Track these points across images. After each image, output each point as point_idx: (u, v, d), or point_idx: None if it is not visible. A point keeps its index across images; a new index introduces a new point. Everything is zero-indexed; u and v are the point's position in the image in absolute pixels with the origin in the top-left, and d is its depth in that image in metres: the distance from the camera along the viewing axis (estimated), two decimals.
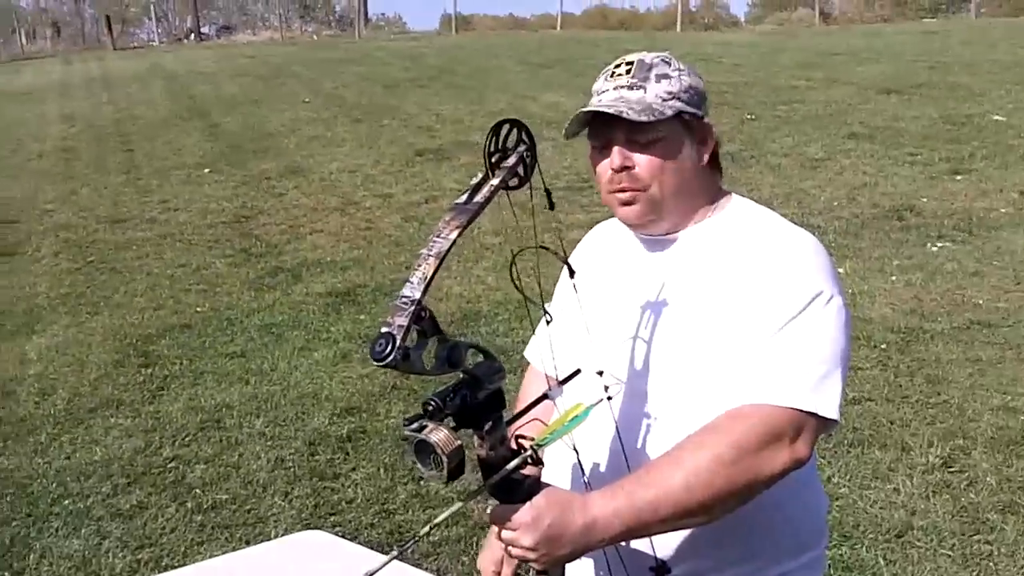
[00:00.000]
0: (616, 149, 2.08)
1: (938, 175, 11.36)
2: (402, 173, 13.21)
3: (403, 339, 1.58)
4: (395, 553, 1.84)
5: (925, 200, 10.43)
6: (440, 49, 27.94)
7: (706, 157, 2.12)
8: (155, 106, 19.91)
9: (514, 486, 1.81)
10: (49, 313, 8.67)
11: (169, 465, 5.73)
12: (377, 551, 3.28)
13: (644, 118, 2.02)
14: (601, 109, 2.04)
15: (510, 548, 1.83)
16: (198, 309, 8.51)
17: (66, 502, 5.37)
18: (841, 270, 7.79)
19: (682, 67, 2.11)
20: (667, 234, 2.15)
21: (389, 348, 1.57)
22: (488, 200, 1.73)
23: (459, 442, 1.68)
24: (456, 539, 4.76)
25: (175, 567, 4.54)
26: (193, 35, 50.14)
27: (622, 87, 2.07)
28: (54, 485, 5.56)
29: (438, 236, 1.68)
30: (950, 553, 4.51)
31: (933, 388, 6.16)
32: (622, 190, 2.10)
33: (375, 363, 1.58)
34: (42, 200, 13.17)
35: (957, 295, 7.77)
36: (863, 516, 4.82)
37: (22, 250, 10.87)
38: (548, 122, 12.99)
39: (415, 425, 1.70)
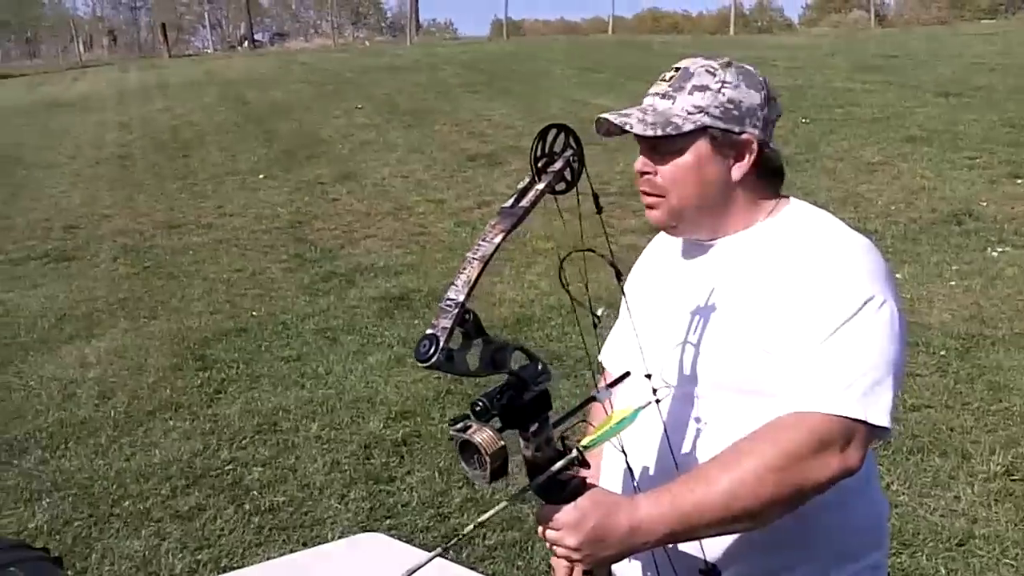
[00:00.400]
0: (640, 155, 2.12)
1: (998, 179, 11.21)
2: (454, 178, 13.25)
3: (447, 340, 1.61)
4: (438, 550, 1.86)
5: (984, 204, 10.31)
6: (491, 54, 27.95)
7: (738, 173, 2.08)
8: (210, 113, 20.08)
9: (560, 487, 1.83)
10: (108, 317, 8.77)
11: (227, 467, 5.78)
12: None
13: (650, 132, 2.04)
14: (609, 117, 2.07)
15: (555, 548, 1.85)
16: (254, 313, 8.58)
17: (126, 503, 5.43)
18: (899, 275, 7.73)
19: (731, 79, 2.07)
20: (711, 239, 2.16)
21: (433, 349, 1.60)
22: (533, 205, 1.75)
23: (502, 443, 1.71)
24: (511, 543, 4.77)
25: (233, 568, 4.59)
26: (247, 42, 50.60)
27: (656, 94, 2.09)
28: (115, 486, 5.62)
29: (483, 240, 1.70)
30: (1013, 563, 4.46)
31: (994, 395, 6.10)
32: (646, 193, 2.13)
33: (419, 364, 1.61)
34: (100, 206, 13.34)
35: (1018, 300, 7.68)
36: (923, 524, 4.78)
37: (81, 255, 11.01)
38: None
39: (460, 425, 1.74)
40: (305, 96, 21.18)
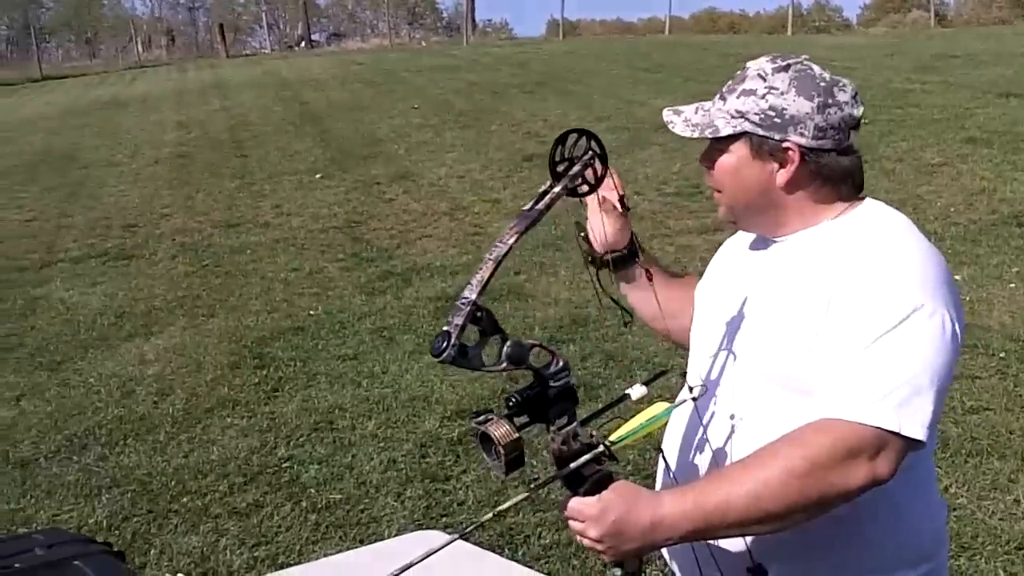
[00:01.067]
0: (705, 151, 2.17)
1: None
2: (510, 178, 13.26)
3: (458, 336, 1.69)
4: (455, 536, 1.90)
5: None
6: (547, 54, 27.97)
7: (782, 180, 2.08)
8: (268, 112, 20.23)
9: (585, 480, 1.87)
10: (166, 315, 8.86)
11: (284, 465, 5.82)
12: (491, 552, 3.30)
13: (687, 133, 2.11)
14: (664, 113, 2.16)
15: (579, 538, 1.89)
16: (311, 312, 8.63)
17: (185, 499, 5.48)
18: (958, 277, 7.65)
19: (780, 85, 2.06)
20: (774, 236, 2.18)
21: (445, 344, 1.69)
22: (548, 207, 1.83)
23: (517, 435, 1.78)
24: (567, 543, 4.77)
25: (290, 565, 4.62)
26: (304, 42, 50.95)
27: (719, 93, 2.14)
28: (173, 483, 5.68)
29: (499, 241, 1.79)
30: None
31: None
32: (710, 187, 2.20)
33: (434, 359, 1.70)
34: (159, 205, 13.47)
35: None
36: (982, 527, 4.73)
37: (140, 254, 11.12)
38: (656, 127, 12.89)
39: (481, 418, 1.81)
40: (362, 96, 21.29)
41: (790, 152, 2.05)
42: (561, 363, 1.83)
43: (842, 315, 1.94)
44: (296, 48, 49.49)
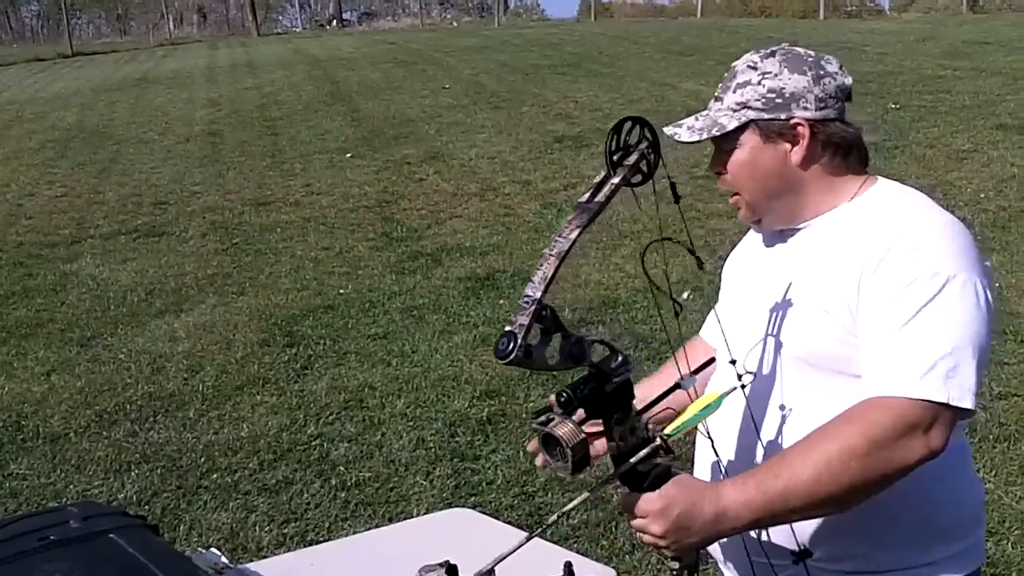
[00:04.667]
0: (712, 157, 2.19)
1: None
2: (540, 160, 13.22)
3: (524, 337, 1.65)
4: (524, 539, 1.88)
5: None
6: (579, 36, 27.88)
7: (797, 157, 2.11)
8: (299, 91, 20.23)
9: (644, 475, 1.85)
10: (196, 293, 8.89)
11: (313, 443, 5.83)
12: (523, 530, 3.29)
13: (696, 137, 2.12)
14: (665, 131, 2.11)
15: (641, 535, 1.86)
16: (341, 291, 8.65)
17: (214, 476, 5.50)
18: (987, 263, 7.58)
19: (772, 68, 2.11)
20: (796, 226, 2.19)
21: (512, 346, 1.64)
22: (608, 199, 1.77)
23: (583, 435, 1.74)
24: (595, 523, 4.77)
25: (320, 542, 4.63)
26: (335, 21, 50.94)
27: (713, 98, 2.18)
28: (203, 459, 5.70)
29: (560, 236, 1.73)
30: None
31: None
32: (727, 192, 2.21)
33: (499, 361, 1.65)
34: (190, 183, 13.49)
35: None
36: (1009, 512, 4.72)
37: (171, 231, 11.15)
38: (689, 110, 12.78)
39: (542, 419, 1.77)
40: (393, 76, 21.26)
41: (799, 128, 2.09)
42: (620, 358, 1.81)
43: (876, 294, 1.95)
44: (327, 27, 49.53)
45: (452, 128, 15.53)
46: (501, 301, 8.09)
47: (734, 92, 2.11)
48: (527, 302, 1.68)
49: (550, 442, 1.76)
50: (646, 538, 1.85)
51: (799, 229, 2.18)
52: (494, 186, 12.10)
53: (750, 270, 2.30)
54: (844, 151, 2.14)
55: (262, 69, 24.41)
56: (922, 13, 37.20)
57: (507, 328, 1.66)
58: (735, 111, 2.10)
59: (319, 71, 23.07)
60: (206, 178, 13.67)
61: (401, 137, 15.20)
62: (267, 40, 37.46)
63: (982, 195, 10.18)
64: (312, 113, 17.78)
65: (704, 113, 2.15)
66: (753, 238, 2.37)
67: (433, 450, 5.65)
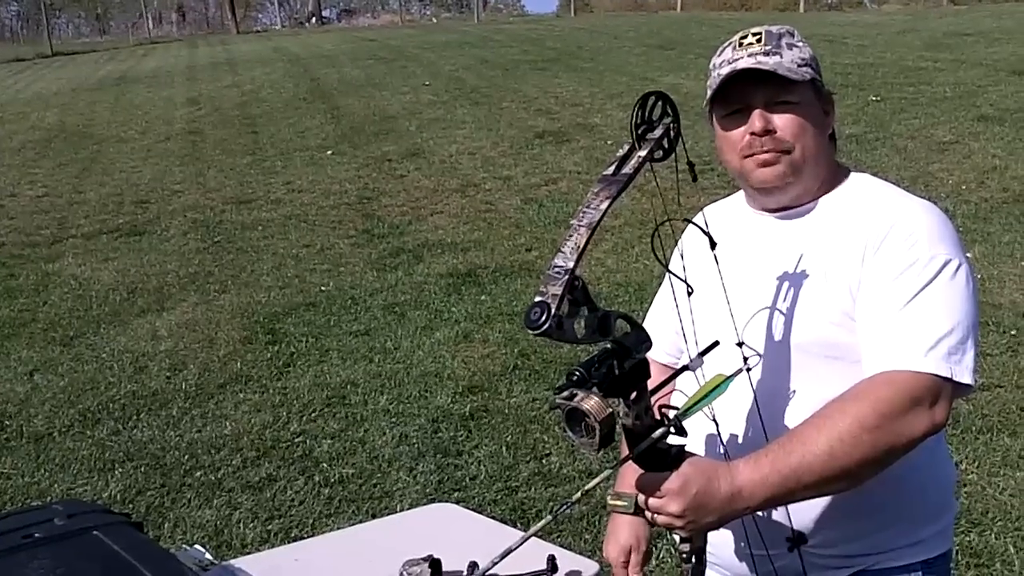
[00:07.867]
0: (757, 112, 2.11)
1: None
2: (522, 155, 13.22)
3: (558, 308, 1.59)
4: (549, 517, 1.88)
5: None
6: (559, 31, 27.86)
7: (830, 126, 2.18)
8: (279, 89, 20.17)
9: (660, 455, 1.83)
10: (178, 291, 8.88)
11: (297, 440, 5.85)
12: (507, 525, 3.31)
13: (797, 76, 2.08)
14: (758, 67, 2.07)
15: (656, 516, 1.86)
16: (322, 288, 8.66)
17: (198, 474, 5.52)
18: (969, 255, 7.62)
19: (798, 40, 2.15)
20: (793, 205, 2.19)
21: (544, 316, 1.58)
22: (636, 171, 1.73)
23: (610, 410, 1.69)
24: (578, 517, 4.79)
25: (303, 538, 4.63)
26: (314, 19, 50.78)
27: (757, 54, 2.10)
28: (186, 457, 5.71)
29: (587, 207, 1.68)
30: None
31: None
32: (764, 152, 2.12)
33: (530, 331, 1.59)
34: (170, 181, 13.47)
35: None
36: (992, 503, 4.75)
37: (152, 230, 11.13)
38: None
39: (566, 394, 1.71)
40: (373, 73, 21.22)
41: (834, 96, 2.17)
42: (644, 335, 1.77)
43: (877, 276, 2.00)
44: (307, 24, 49.36)
45: (432, 124, 15.51)
46: (483, 297, 8.11)
47: (789, 49, 2.10)
48: (559, 272, 1.62)
49: (574, 417, 1.70)
50: (661, 519, 1.85)
51: (799, 211, 2.19)
52: (475, 182, 12.10)
53: (747, 251, 2.25)
54: (834, 137, 2.22)
55: (242, 67, 24.32)
56: (903, 5, 37.23)
57: (537, 298, 1.60)
58: (800, 66, 2.10)
59: (299, 69, 23.01)
60: (187, 177, 13.64)
61: (381, 134, 15.18)
62: (247, 38, 37.34)
63: (963, 187, 10.22)
64: (292, 111, 17.74)
65: (756, 63, 2.08)
66: (721, 222, 2.30)
67: (416, 446, 5.67)
